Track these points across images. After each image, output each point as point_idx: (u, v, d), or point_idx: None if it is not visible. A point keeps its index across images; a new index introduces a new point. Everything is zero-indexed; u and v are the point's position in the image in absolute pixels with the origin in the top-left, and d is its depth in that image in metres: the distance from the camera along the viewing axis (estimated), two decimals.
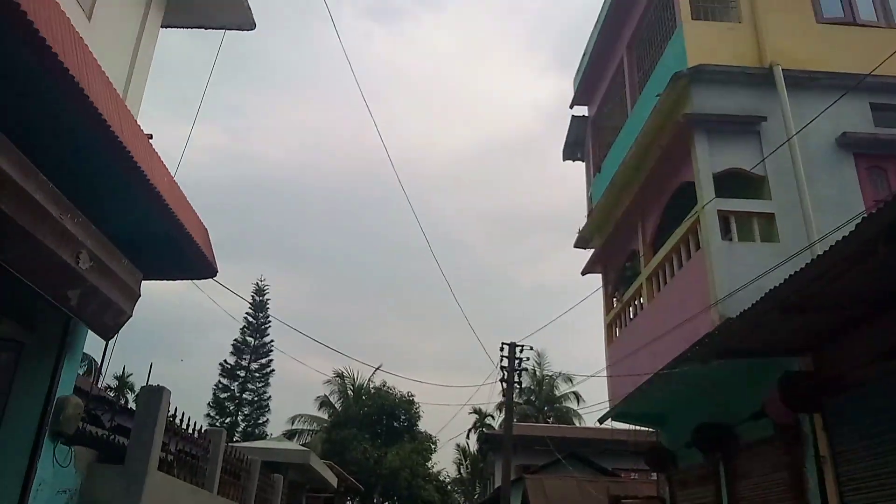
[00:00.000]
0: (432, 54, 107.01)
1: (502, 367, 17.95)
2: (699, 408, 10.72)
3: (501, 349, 18.56)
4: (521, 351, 18.78)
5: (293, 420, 39.95)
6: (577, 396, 53.78)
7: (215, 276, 7.12)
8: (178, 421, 7.42)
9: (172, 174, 5.78)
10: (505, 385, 17.76)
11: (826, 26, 10.65)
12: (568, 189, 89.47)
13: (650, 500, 12.78)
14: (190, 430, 7.81)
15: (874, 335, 6.71)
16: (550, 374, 54.09)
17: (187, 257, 6.39)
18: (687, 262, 9.84)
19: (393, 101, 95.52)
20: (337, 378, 39.74)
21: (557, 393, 54.16)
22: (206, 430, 8.69)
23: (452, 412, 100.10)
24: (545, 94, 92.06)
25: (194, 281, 7.82)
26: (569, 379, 54.57)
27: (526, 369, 17.91)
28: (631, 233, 12.34)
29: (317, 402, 39.83)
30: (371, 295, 74.76)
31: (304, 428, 38.55)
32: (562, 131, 15.66)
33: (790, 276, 6.18)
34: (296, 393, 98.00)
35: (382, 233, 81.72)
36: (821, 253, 6.00)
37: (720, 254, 8.97)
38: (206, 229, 6.52)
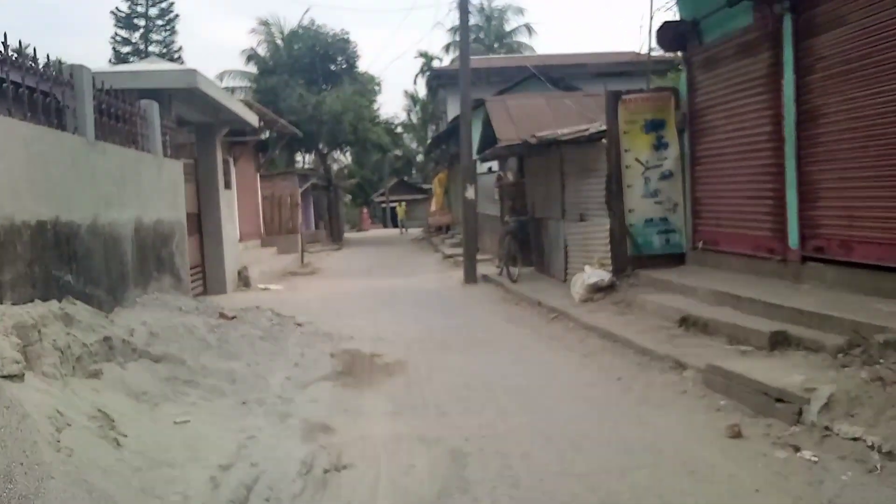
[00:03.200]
0: None
1: None
2: None
3: None
4: None
5: (221, 77, 35.60)
6: (529, 29, 49.77)
7: None
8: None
9: None
10: None
11: None
12: None
13: (660, 91, 9.66)
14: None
15: None
16: (500, 7, 49.54)
17: None
18: None
19: None
20: (262, 26, 34.27)
21: (508, 27, 50.07)
22: (59, 61, 6.49)
23: (394, 56, 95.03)
24: None
25: None
26: (520, 10, 50.20)
27: None
28: None
29: (243, 55, 35.14)
30: None
31: (235, 85, 34.38)
32: None
33: None
34: (218, 50, 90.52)
35: None
36: None
37: None
38: None
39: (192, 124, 13.17)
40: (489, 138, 16.14)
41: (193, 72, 9.61)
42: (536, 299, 10.13)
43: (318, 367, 6.54)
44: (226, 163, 14.22)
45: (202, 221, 13.15)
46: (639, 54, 26.75)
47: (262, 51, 34.39)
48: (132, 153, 7.46)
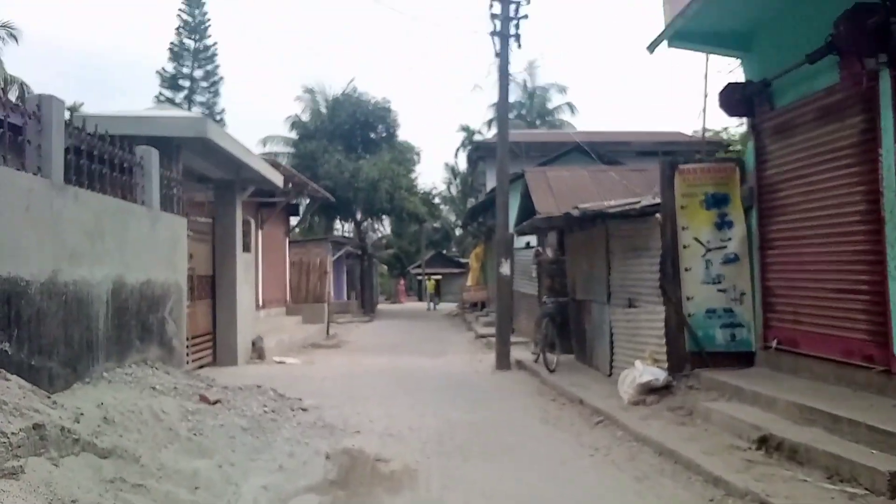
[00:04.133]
0: None
1: (493, 16, 12.68)
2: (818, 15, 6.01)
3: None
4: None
5: (264, 142, 35.98)
6: (572, 108, 49.80)
7: None
8: None
9: None
10: (498, 42, 12.63)
11: None
12: None
13: (723, 162, 8.56)
14: None
15: None
16: (543, 85, 49.69)
17: None
18: None
19: None
20: (307, 94, 34.65)
21: (550, 105, 50.05)
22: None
23: (438, 129, 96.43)
24: None
25: None
26: (563, 89, 50.30)
27: (525, 16, 12.60)
28: None
29: (287, 122, 35.47)
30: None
31: (277, 151, 34.57)
32: None
33: None
34: (261, 114, 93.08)
35: None
36: None
37: None
38: None
39: (211, 181, 12.49)
40: (528, 211, 15.14)
41: (204, 119, 8.91)
42: (577, 396, 8.78)
43: (308, 472, 5.33)
44: (247, 223, 13.43)
45: (216, 285, 12.26)
46: (683, 134, 26.07)
47: (305, 117, 34.63)
48: (114, 203, 6.58)
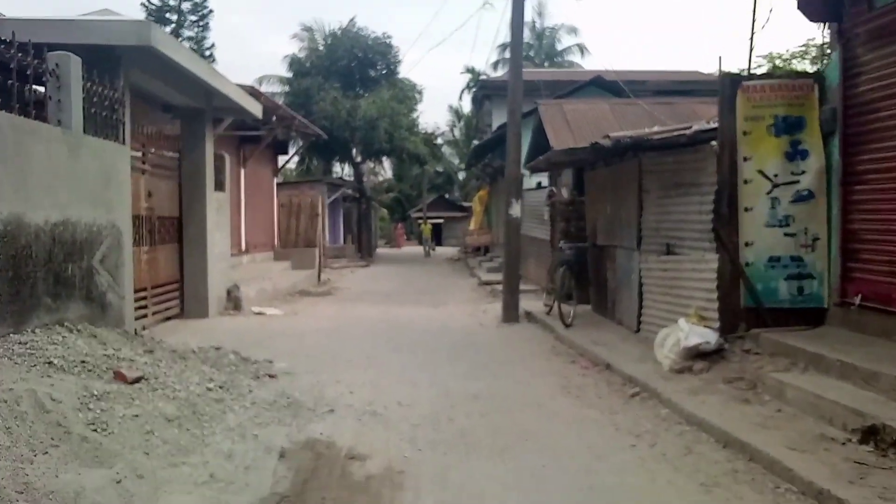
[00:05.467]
0: None
1: None
2: None
3: None
4: None
5: (260, 81, 33.63)
6: (582, 49, 47.33)
7: None
8: None
9: None
10: None
11: None
12: None
13: (798, 77, 6.85)
14: None
15: None
16: (552, 25, 47.03)
17: None
18: None
19: None
20: (305, 32, 32.18)
21: (559, 46, 47.51)
22: None
23: (442, 74, 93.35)
24: None
25: None
26: (573, 30, 47.63)
27: None
28: None
29: (285, 61, 33.06)
30: None
31: (272, 90, 32.33)
32: None
33: None
34: (256, 57, 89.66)
35: None
36: None
37: None
38: None
39: (178, 109, 10.77)
40: (540, 149, 13.40)
41: (148, 24, 7.13)
42: (603, 358, 7.29)
43: (250, 481, 3.84)
44: (220, 159, 11.77)
45: (183, 228, 10.69)
46: (701, 73, 23.99)
47: (302, 56, 32.32)
48: (5, 119, 4.93)
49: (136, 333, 6.82)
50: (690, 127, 6.72)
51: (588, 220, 11.00)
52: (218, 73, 9.81)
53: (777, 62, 11.27)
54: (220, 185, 11.65)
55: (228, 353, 6.97)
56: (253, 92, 12.46)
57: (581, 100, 15.46)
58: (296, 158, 36.08)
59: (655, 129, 7.60)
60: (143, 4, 29.54)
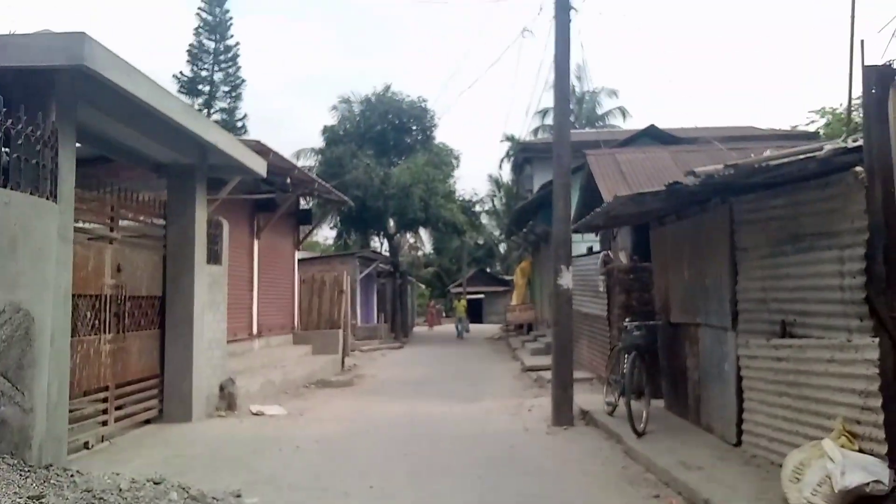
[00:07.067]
0: None
1: None
2: None
3: None
4: None
5: (297, 155, 32.96)
6: (624, 112, 45.96)
7: None
8: None
9: None
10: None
11: None
12: None
13: None
14: None
15: None
16: (592, 90, 45.99)
17: None
18: None
19: None
20: (343, 104, 31.48)
21: (600, 111, 46.32)
22: None
23: (480, 143, 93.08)
24: None
25: None
26: (613, 93, 46.46)
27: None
28: None
29: (324, 134, 32.34)
30: None
31: (308, 164, 31.48)
32: None
33: None
34: (299, 134, 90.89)
35: None
36: None
37: None
38: None
39: (166, 167, 9.22)
40: (591, 208, 11.46)
41: (81, 36, 5.48)
42: (703, 497, 5.01)
43: None
44: (217, 225, 10.09)
45: (167, 310, 8.93)
46: (755, 128, 22.06)
47: (336, 124, 31.52)
48: None
49: (42, 466, 4.88)
50: (822, 148, 4.63)
51: (657, 291, 8.85)
52: (204, 117, 8.25)
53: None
54: (215, 258, 9.92)
55: (171, 491, 4.95)
56: (259, 148, 10.85)
57: (636, 148, 13.54)
58: (332, 233, 34.84)
59: (766, 153, 5.51)
60: (174, 76, 29.22)
